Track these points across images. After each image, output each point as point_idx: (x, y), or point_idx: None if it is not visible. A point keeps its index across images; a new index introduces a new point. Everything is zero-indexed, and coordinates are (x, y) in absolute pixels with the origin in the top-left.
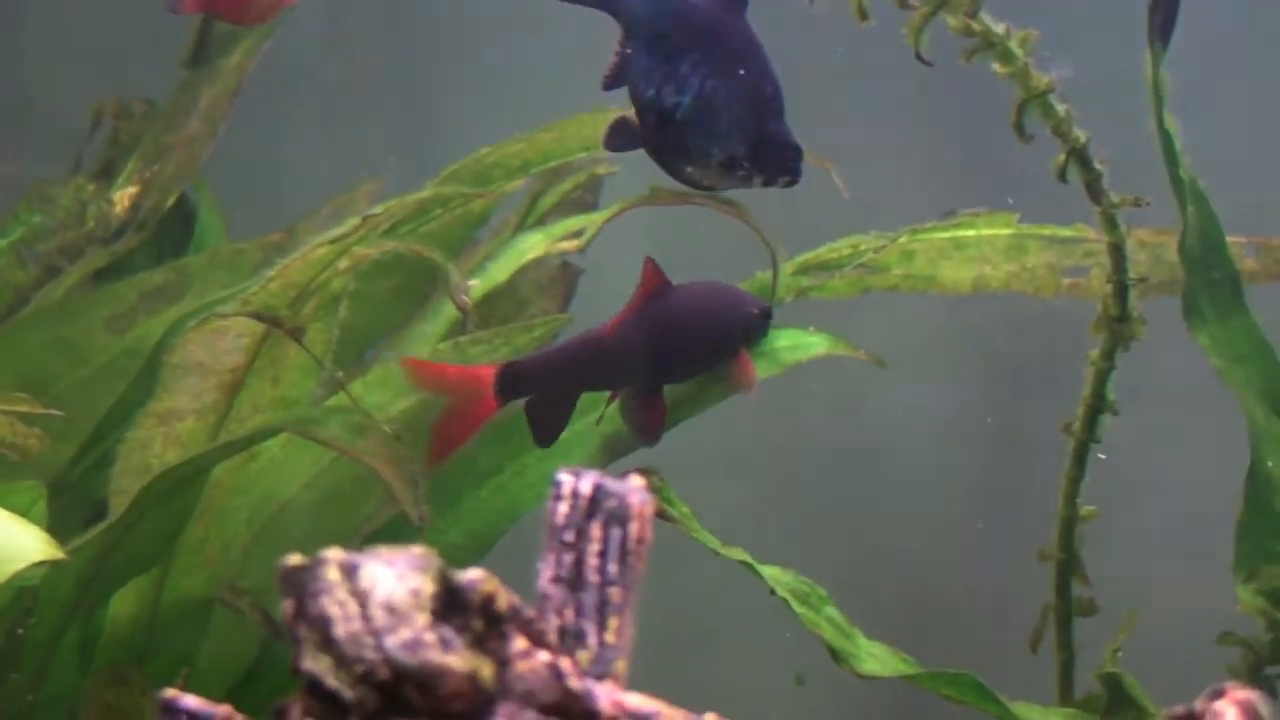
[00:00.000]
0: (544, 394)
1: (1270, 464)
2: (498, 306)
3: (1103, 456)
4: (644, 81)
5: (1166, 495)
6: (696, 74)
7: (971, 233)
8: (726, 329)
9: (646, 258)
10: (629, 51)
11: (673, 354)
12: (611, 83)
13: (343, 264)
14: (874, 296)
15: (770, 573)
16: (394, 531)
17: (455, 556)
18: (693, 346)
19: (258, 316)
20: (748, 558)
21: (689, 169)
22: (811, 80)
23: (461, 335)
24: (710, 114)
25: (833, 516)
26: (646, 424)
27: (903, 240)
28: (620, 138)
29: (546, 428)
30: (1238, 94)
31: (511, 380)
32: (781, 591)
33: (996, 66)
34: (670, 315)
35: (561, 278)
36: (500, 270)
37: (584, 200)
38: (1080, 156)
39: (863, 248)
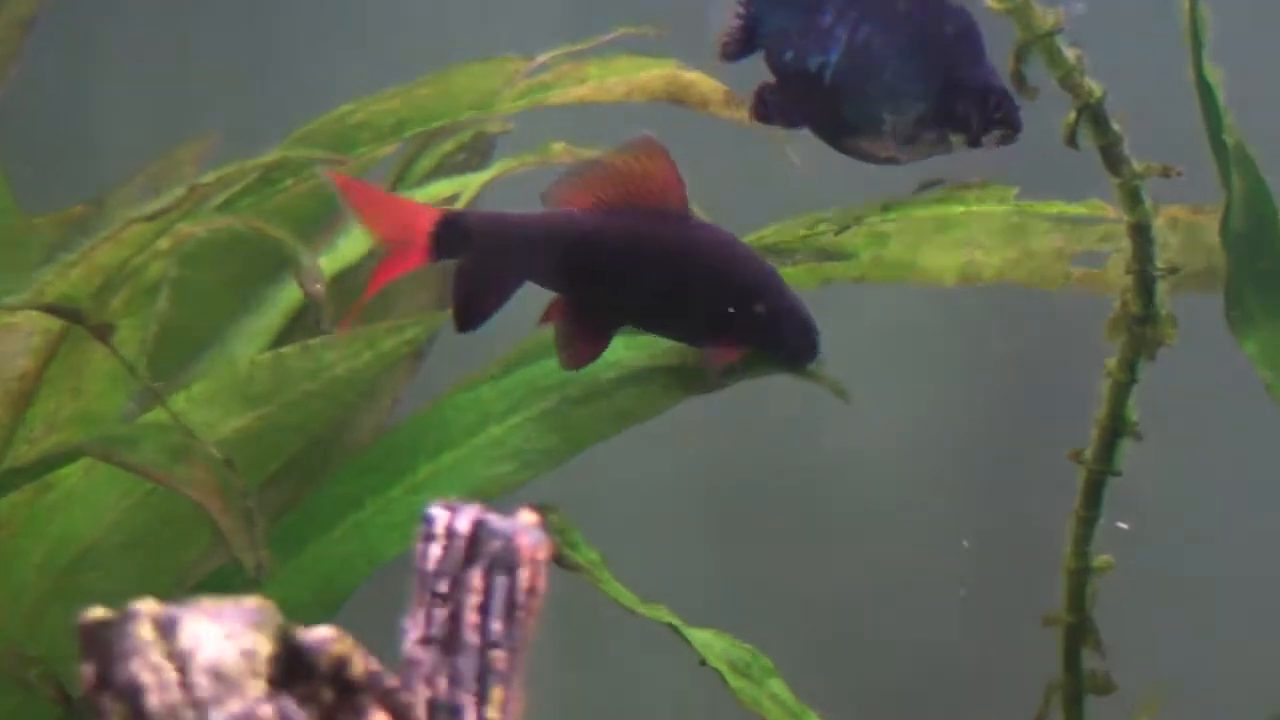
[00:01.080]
0: (481, 262)
1: None
2: (359, 297)
3: (1123, 526)
4: (779, 43)
5: (1202, 542)
6: (843, 23)
7: (959, 209)
8: (720, 302)
9: (646, 136)
10: (753, 8)
11: (644, 289)
12: (735, 50)
13: (163, 245)
14: (837, 289)
15: (700, 637)
16: (225, 583)
17: (302, 613)
18: (672, 296)
19: (53, 310)
20: (672, 618)
21: (860, 142)
22: None
23: (312, 335)
24: (868, 71)
25: (784, 566)
26: (572, 350)
27: (873, 218)
28: (769, 110)
29: (469, 308)
30: None
31: (453, 231)
32: (714, 660)
33: (990, 1)
34: (666, 242)
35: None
36: (353, 246)
37: (469, 164)
38: (1094, 114)
39: (822, 228)
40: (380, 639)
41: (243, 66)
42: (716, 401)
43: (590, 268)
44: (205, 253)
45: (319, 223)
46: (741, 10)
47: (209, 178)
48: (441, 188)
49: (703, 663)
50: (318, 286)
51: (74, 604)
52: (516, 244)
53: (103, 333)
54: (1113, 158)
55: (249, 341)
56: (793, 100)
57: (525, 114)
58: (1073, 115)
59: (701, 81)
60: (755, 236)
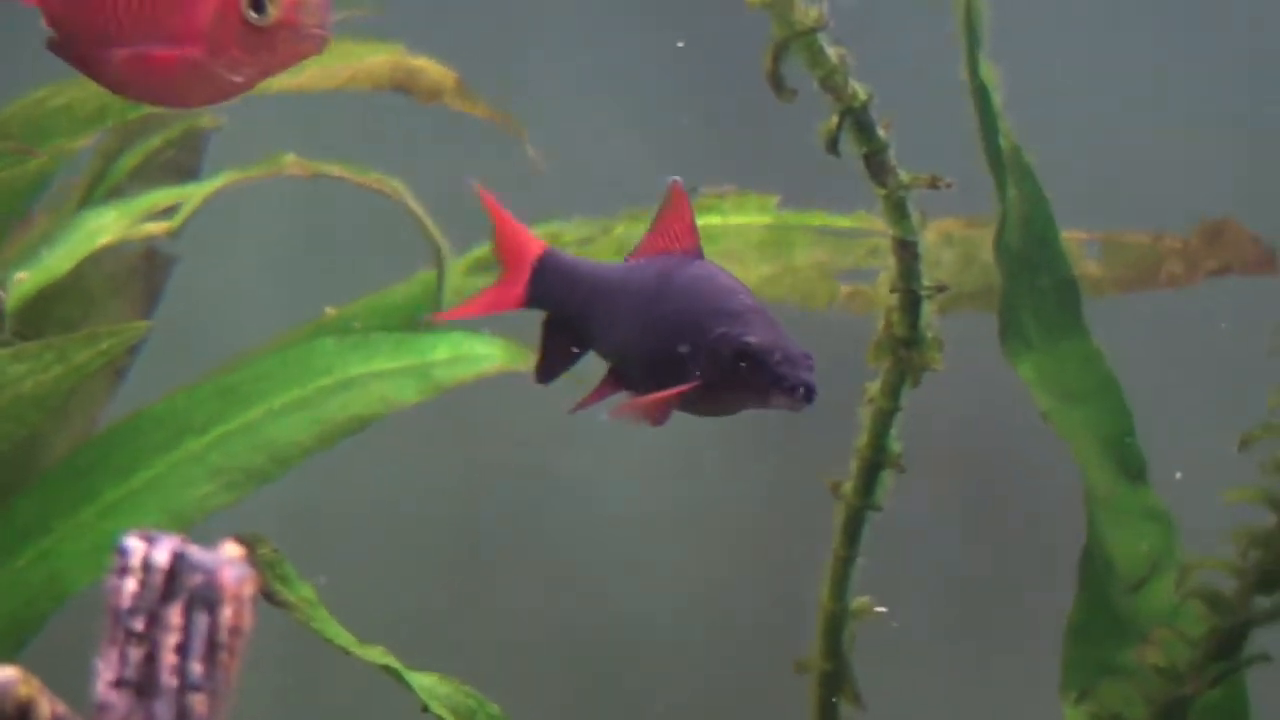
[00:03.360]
0: (564, 318)
1: (1112, 543)
2: (55, 307)
3: (882, 610)
4: None
5: (968, 586)
6: None
7: (716, 220)
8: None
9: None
10: None
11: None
12: None
13: None
14: None
15: (423, 681)
16: None
17: None
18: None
19: None
20: (391, 660)
21: None
22: (509, 12)
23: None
24: None
25: (523, 601)
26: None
27: (620, 229)
28: None
29: (551, 363)
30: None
31: (548, 277)
32: (437, 708)
33: None
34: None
35: (144, 270)
36: (60, 259)
37: (181, 163)
38: (858, 120)
39: (566, 238)
40: (71, 680)
41: None
42: (446, 419)
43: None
44: None
45: (10, 222)
46: None
47: None
48: (157, 198)
49: (425, 709)
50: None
51: None
52: (584, 294)
53: None
54: (877, 167)
55: None
56: None
57: (240, 106)
58: (834, 120)
59: (431, 68)
60: (489, 247)
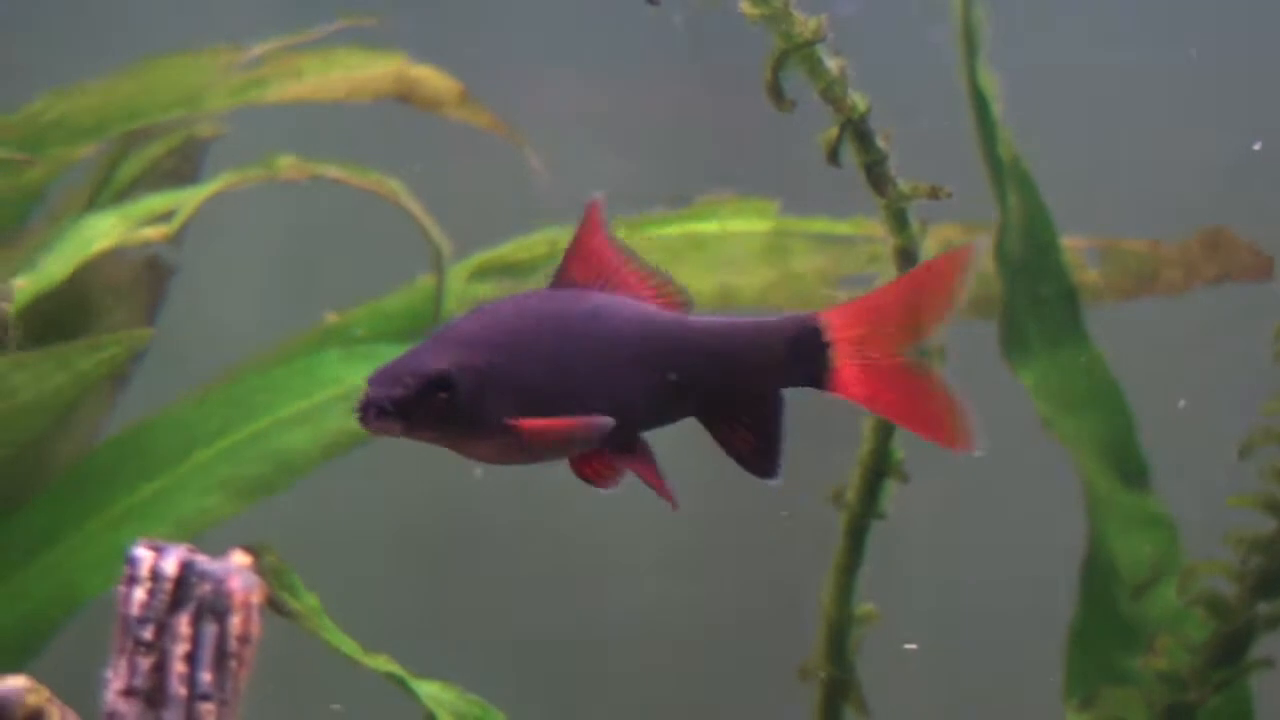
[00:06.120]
0: None
1: (1114, 549)
2: (59, 317)
3: (911, 647)
4: None
5: (973, 591)
6: None
7: (714, 227)
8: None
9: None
10: None
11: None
12: None
13: None
14: None
15: (428, 690)
16: None
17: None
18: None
19: None
20: (397, 669)
21: None
22: (507, 24)
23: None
24: None
25: (523, 608)
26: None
27: (620, 235)
28: None
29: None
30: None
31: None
32: (443, 715)
33: (745, 6)
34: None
35: (146, 279)
36: (58, 265)
37: (180, 171)
38: (857, 130)
39: (563, 245)
40: (81, 689)
41: None
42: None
43: None
44: None
45: (10, 232)
46: None
47: None
48: (155, 203)
49: (430, 717)
50: (2, 304)
51: None
52: None
53: None
54: (877, 177)
55: None
56: None
57: (241, 116)
58: (834, 131)
59: (432, 78)
60: (491, 253)
